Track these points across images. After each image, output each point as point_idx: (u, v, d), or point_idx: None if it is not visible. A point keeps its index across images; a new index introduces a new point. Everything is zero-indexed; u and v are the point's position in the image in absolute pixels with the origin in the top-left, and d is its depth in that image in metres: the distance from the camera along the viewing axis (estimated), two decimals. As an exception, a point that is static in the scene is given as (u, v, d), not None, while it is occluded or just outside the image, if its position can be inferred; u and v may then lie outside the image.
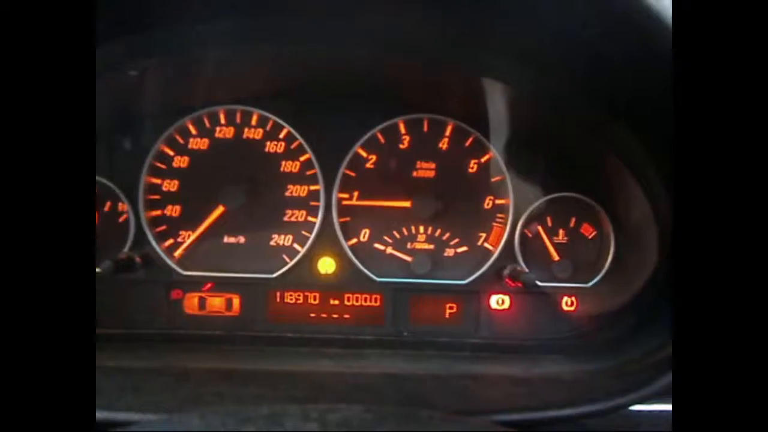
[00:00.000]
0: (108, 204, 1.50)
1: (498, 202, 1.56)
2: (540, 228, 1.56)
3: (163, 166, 1.51)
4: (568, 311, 1.54)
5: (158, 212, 1.51)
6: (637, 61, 0.93)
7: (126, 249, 1.48)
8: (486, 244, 1.55)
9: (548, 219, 1.56)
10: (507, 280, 1.49)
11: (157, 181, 1.51)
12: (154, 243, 1.49)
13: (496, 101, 1.45)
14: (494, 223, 1.56)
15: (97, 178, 1.48)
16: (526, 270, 1.50)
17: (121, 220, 1.50)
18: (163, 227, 1.51)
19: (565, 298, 1.54)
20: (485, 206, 1.56)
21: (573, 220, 1.56)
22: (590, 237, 1.56)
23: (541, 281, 1.50)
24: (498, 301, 1.54)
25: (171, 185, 1.52)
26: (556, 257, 1.54)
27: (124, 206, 1.49)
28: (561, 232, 1.56)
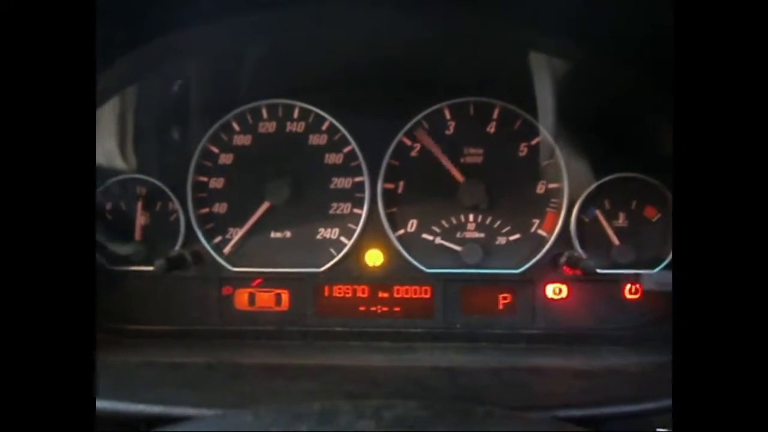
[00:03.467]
0: (158, 204, 1.52)
1: (551, 186, 1.48)
2: (598, 212, 1.47)
3: (209, 164, 1.53)
4: (631, 299, 1.45)
5: (206, 210, 1.53)
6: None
7: (177, 247, 1.50)
8: (540, 231, 1.48)
9: (606, 202, 1.47)
10: (564, 267, 1.41)
11: (204, 179, 1.53)
12: (203, 240, 1.51)
13: (545, 79, 1.38)
14: (548, 209, 1.48)
15: (148, 178, 1.51)
16: (584, 256, 1.41)
17: (171, 219, 1.52)
18: (212, 224, 1.53)
19: (628, 286, 1.45)
20: (537, 191, 1.48)
21: (634, 202, 1.46)
22: (654, 219, 1.46)
23: (600, 268, 1.41)
24: (555, 290, 1.47)
25: (217, 182, 1.53)
26: (617, 242, 1.45)
27: (173, 205, 1.51)
28: (621, 215, 1.46)
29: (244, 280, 1.52)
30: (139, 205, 1.51)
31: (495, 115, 1.49)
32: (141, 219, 1.51)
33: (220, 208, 1.53)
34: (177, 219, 1.51)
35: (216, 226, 1.53)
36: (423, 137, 1.48)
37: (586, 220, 1.47)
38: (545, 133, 1.47)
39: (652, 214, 1.46)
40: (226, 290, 1.52)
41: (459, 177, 1.46)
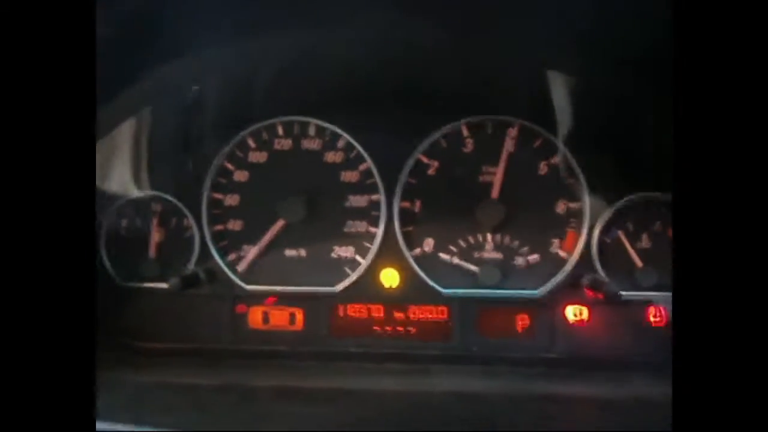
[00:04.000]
0: (173, 221, 1.52)
1: (571, 206, 1.44)
2: (620, 233, 1.42)
3: (224, 181, 1.52)
4: (656, 324, 1.40)
5: (221, 227, 1.52)
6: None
7: (191, 264, 1.49)
8: (560, 252, 1.44)
9: (629, 223, 1.43)
10: (586, 290, 1.37)
11: (220, 196, 1.52)
12: (218, 258, 1.50)
13: (565, 97, 1.36)
14: (568, 229, 1.45)
15: (164, 195, 1.50)
16: (606, 279, 1.37)
17: (186, 236, 1.51)
18: (226, 242, 1.51)
19: (653, 310, 1.40)
20: (558, 211, 1.45)
21: (658, 223, 1.41)
22: (678, 241, 1.41)
23: (623, 291, 1.37)
24: (575, 313, 1.42)
25: (232, 200, 1.52)
26: (640, 264, 1.40)
27: (188, 222, 1.51)
28: (644, 236, 1.42)
29: (258, 298, 1.50)
30: (154, 222, 1.51)
31: (514, 133, 1.46)
32: (156, 236, 1.50)
33: (234, 225, 1.52)
34: (191, 236, 1.50)
35: (230, 244, 1.51)
36: None
37: (608, 241, 1.43)
38: (565, 152, 1.44)
39: (676, 235, 1.41)
40: (239, 308, 1.50)
41: (477, 196, 1.43)
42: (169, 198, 1.50)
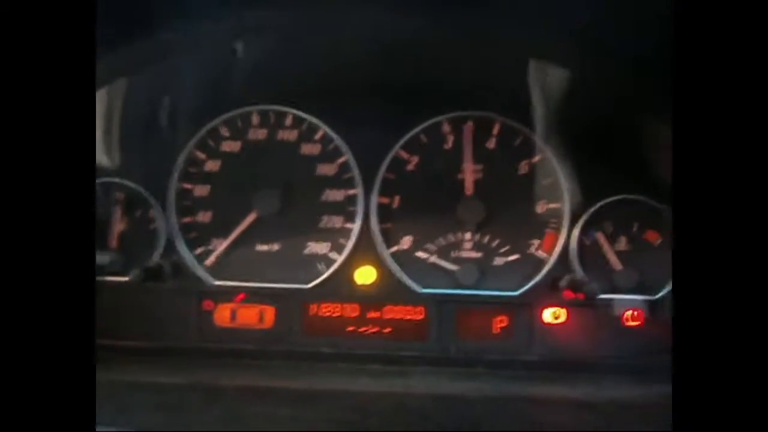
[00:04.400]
0: (138, 210, 1.43)
1: (551, 206, 1.43)
2: (599, 234, 1.42)
3: (194, 171, 1.45)
4: (632, 326, 1.39)
5: (189, 219, 1.44)
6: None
7: (155, 257, 1.41)
8: (539, 252, 1.42)
9: (608, 224, 1.42)
10: (565, 291, 1.35)
11: (189, 186, 1.44)
12: (184, 250, 1.42)
13: (546, 96, 1.34)
14: (548, 229, 1.43)
15: (128, 183, 1.42)
16: (586, 279, 1.36)
17: (151, 227, 1.43)
18: (194, 234, 1.44)
19: (630, 312, 1.39)
20: (537, 211, 1.43)
21: (636, 225, 1.42)
22: (656, 244, 1.41)
23: (601, 292, 1.36)
24: (553, 315, 1.41)
25: (202, 190, 1.45)
26: (618, 266, 1.40)
27: (154, 213, 1.42)
28: (623, 238, 1.42)
29: (226, 294, 1.43)
30: (117, 210, 1.42)
31: (495, 130, 1.44)
32: (118, 226, 1.42)
33: (204, 217, 1.44)
34: (157, 227, 1.42)
35: (199, 236, 1.44)
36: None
37: (587, 242, 1.42)
38: (546, 151, 1.42)
39: (654, 238, 1.42)
40: (206, 305, 1.43)
41: (456, 193, 1.41)
42: (135, 186, 1.42)
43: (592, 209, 1.41)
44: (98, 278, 1.40)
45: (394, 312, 1.42)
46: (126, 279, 1.32)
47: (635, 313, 1.40)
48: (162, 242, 1.42)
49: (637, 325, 1.39)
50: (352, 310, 1.43)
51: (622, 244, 1.41)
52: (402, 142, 1.44)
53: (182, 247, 1.42)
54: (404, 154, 1.44)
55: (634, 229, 1.42)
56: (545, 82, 1.31)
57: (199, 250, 1.44)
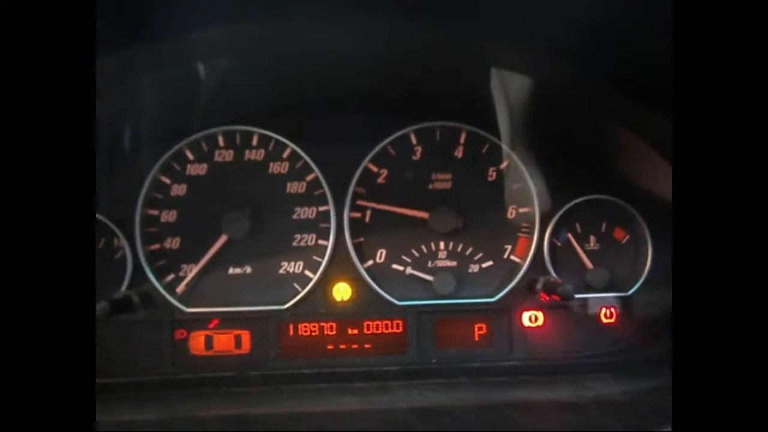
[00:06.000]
0: (103, 240, 1.38)
1: (522, 210, 1.45)
2: (570, 235, 1.44)
3: (160, 196, 1.41)
4: (607, 324, 1.42)
5: (156, 246, 1.40)
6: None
7: (123, 288, 1.36)
8: (513, 257, 1.44)
9: (577, 225, 1.45)
10: (541, 294, 1.36)
11: (155, 212, 1.40)
12: (153, 279, 1.37)
13: (510, 102, 1.36)
14: (520, 234, 1.45)
15: (90, 213, 1.37)
16: (560, 280, 1.37)
17: (117, 256, 1.38)
18: (163, 262, 1.40)
19: (604, 310, 1.42)
20: (508, 216, 1.45)
21: (603, 224, 1.45)
22: (624, 241, 1.44)
23: (575, 292, 1.37)
24: (531, 318, 1.42)
25: (169, 216, 1.41)
26: (590, 266, 1.42)
27: (119, 242, 1.38)
28: (592, 238, 1.44)
29: (200, 321, 1.39)
30: (80, 242, 1.36)
31: (462, 139, 1.46)
32: (82, 258, 1.36)
33: (172, 243, 1.40)
34: (123, 256, 1.37)
35: (168, 264, 1.40)
36: None
37: (559, 244, 1.45)
38: (513, 157, 1.44)
39: (621, 236, 1.45)
40: (179, 334, 1.38)
41: (428, 203, 1.41)
42: (97, 215, 1.36)
43: (562, 211, 1.43)
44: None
45: (373, 327, 1.41)
46: (93, 313, 1.26)
47: (610, 310, 1.42)
48: (129, 272, 1.37)
49: (611, 323, 1.41)
50: (330, 329, 1.41)
51: (592, 243, 1.44)
52: (371, 155, 1.43)
53: (151, 276, 1.37)
54: (374, 167, 1.44)
55: (603, 228, 1.45)
56: (508, 89, 1.33)
57: (168, 278, 1.39)
